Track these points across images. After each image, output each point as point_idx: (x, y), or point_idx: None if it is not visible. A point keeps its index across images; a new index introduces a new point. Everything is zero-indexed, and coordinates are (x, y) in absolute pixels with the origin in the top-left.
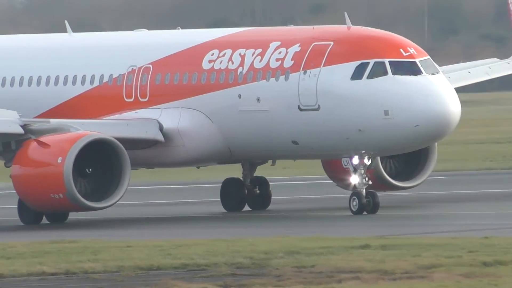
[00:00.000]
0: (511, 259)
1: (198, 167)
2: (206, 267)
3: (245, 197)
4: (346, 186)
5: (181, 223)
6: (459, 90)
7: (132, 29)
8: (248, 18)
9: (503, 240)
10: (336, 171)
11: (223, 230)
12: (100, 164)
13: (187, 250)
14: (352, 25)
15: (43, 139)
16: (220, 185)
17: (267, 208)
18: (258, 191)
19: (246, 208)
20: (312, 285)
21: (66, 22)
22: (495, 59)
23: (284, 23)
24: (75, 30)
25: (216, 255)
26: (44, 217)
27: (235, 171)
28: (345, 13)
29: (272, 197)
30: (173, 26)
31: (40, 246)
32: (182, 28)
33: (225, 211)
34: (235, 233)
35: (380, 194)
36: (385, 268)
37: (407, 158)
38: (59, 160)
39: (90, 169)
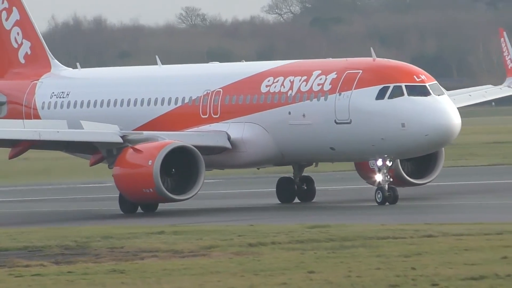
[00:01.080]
0: (270, 241)
1: (258, 168)
2: (42, 248)
3: (295, 191)
4: (373, 182)
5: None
6: None
7: None
8: (73, 62)
9: (264, 227)
10: (365, 170)
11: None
12: (182, 166)
13: (28, 235)
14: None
15: (137, 146)
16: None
17: (312, 201)
18: (305, 187)
19: (296, 200)
20: (121, 261)
21: (156, 56)
22: (490, 86)
23: (99, 66)
24: None
25: (50, 239)
26: (139, 207)
27: (288, 171)
28: (371, 48)
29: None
30: None
31: None
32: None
33: (279, 202)
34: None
35: (399, 188)
36: (176, 248)
37: (421, 160)
38: (150, 162)
39: (174, 169)
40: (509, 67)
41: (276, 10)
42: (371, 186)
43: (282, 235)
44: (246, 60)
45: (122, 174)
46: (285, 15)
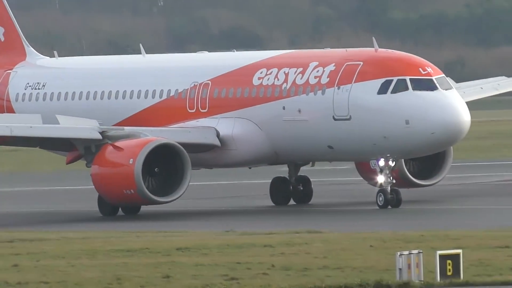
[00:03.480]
0: None
1: (249, 168)
2: None
3: (290, 193)
4: (374, 184)
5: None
6: None
7: None
8: None
9: None
10: (366, 171)
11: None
12: (166, 164)
13: None
14: None
15: (118, 143)
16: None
17: (309, 202)
18: (302, 188)
19: (291, 202)
20: None
21: (140, 45)
22: (503, 77)
23: None
24: None
25: None
26: (120, 210)
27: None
28: (373, 38)
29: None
30: None
31: None
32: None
33: (273, 204)
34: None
35: (403, 190)
36: None
37: (427, 159)
38: (131, 161)
39: (157, 169)
40: None
41: None
42: (373, 187)
43: None
44: None
45: (101, 173)
46: None
